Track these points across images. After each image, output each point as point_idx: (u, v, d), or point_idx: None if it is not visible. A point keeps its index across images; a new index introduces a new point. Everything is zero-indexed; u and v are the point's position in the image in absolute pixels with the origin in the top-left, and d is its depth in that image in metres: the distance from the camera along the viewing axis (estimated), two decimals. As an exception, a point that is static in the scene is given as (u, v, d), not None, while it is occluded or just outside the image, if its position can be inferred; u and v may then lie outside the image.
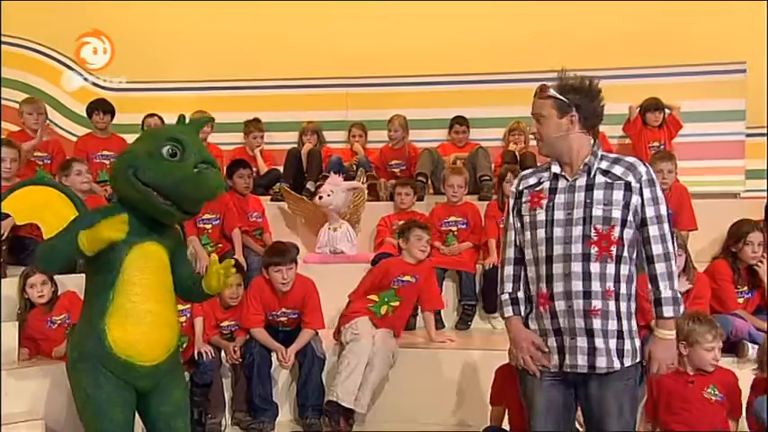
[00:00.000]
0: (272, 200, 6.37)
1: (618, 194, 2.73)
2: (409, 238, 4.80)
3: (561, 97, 2.77)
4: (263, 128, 6.95)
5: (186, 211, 2.97)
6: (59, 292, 4.39)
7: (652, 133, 6.50)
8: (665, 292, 2.74)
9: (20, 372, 4.06)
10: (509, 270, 2.91)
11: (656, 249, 2.75)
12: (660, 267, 2.75)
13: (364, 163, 6.65)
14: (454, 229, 5.62)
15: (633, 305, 2.81)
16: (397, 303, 4.68)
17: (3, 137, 5.61)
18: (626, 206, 2.73)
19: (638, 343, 2.82)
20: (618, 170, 2.77)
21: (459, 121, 6.91)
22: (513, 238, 2.91)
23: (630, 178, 2.75)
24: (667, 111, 6.54)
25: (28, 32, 7.34)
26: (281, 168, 6.74)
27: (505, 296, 2.90)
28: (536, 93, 2.82)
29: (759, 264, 4.53)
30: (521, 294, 2.88)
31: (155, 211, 2.91)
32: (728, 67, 6.60)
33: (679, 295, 2.77)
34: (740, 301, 4.53)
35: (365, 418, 4.49)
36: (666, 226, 2.78)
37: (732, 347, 4.28)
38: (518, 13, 7.04)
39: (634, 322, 2.81)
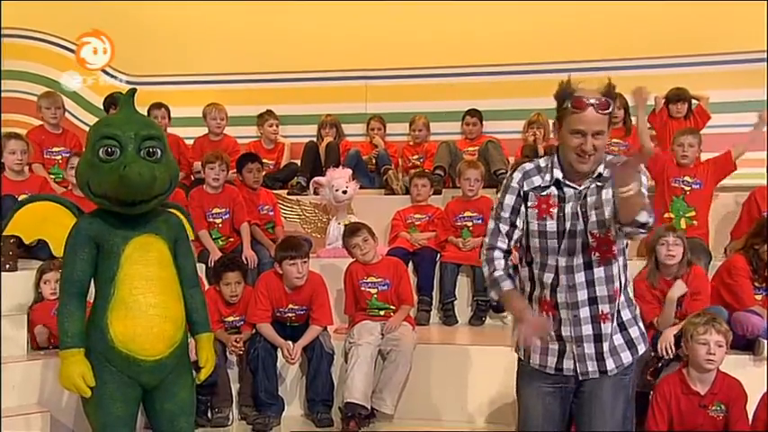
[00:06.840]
0: (288, 194, 6.30)
1: (608, 193, 2.62)
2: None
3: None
4: (278, 117, 6.90)
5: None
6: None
7: (678, 124, 6.27)
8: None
9: (26, 364, 4.10)
10: (499, 255, 2.73)
11: None
12: None
13: (383, 156, 6.62)
14: (469, 224, 5.52)
15: (631, 291, 2.83)
16: (387, 306, 4.71)
17: (16, 131, 5.64)
18: (614, 202, 2.61)
19: (642, 328, 2.80)
20: (607, 172, 2.66)
21: (470, 113, 6.80)
22: (507, 230, 2.71)
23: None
24: (694, 102, 6.34)
25: (51, 27, 7.43)
26: (298, 162, 6.71)
27: (500, 272, 2.71)
28: (593, 106, 2.53)
29: None
30: (512, 272, 2.74)
31: (124, 212, 2.88)
32: (748, 56, 6.40)
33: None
34: (757, 297, 4.37)
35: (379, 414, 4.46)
36: None
37: (749, 345, 4.18)
38: (540, 3, 6.89)
39: (635, 308, 2.80)
